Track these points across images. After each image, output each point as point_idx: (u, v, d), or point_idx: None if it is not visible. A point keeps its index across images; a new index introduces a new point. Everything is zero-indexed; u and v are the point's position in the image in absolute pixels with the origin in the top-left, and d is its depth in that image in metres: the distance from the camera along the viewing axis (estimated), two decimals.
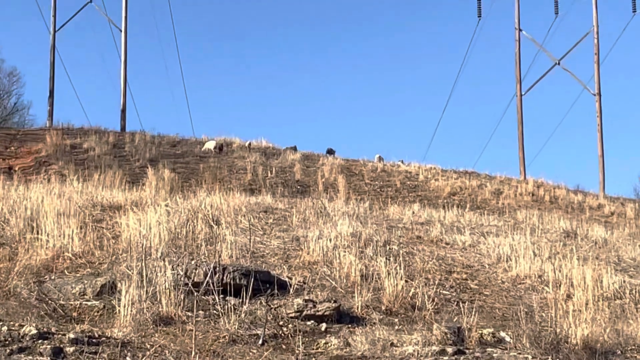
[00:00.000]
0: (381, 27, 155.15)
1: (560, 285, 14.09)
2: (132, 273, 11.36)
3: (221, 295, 11.33)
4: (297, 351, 9.78)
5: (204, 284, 11.45)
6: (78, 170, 31.04)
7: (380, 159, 45.37)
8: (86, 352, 9.00)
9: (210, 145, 41.71)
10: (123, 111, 52.23)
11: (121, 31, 53.74)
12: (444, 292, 13.41)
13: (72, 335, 9.42)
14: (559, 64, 53.18)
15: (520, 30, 53.80)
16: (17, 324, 9.68)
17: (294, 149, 45.31)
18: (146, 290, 10.91)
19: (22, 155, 37.93)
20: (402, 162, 44.93)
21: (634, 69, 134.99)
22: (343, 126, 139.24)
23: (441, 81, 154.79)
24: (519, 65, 53.55)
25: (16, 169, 34.20)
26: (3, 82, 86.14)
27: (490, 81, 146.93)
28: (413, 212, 22.35)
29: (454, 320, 11.52)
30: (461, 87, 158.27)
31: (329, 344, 10.24)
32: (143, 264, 11.55)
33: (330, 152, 46.72)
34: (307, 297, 11.41)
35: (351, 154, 48.90)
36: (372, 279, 12.97)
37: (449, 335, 10.49)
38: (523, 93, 53.22)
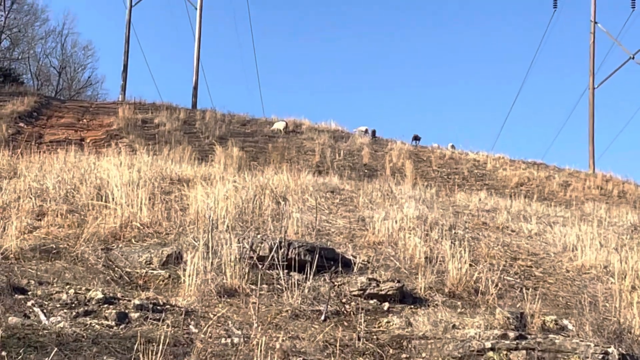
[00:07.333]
0: (458, 18, 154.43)
1: (625, 277, 13.91)
2: (198, 244, 11.45)
3: (285, 270, 11.37)
4: (358, 328, 9.78)
5: (269, 259, 11.53)
6: (148, 144, 31.38)
7: (452, 147, 45.33)
8: (150, 319, 9.12)
9: (279, 125, 41.90)
10: (195, 88, 52.72)
11: (196, 9, 54.16)
12: (508, 278, 13.35)
13: (137, 302, 9.54)
14: (633, 58, 52.51)
15: (595, 22, 53.21)
16: (83, 288, 9.82)
17: (373, 133, 45.19)
18: (211, 262, 10.99)
19: (94, 127, 38.47)
20: (471, 150, 44.83)
21: None
22: (418, 113, 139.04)
23: (514, 71, 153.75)
24: (593, 57, 53.01)
25: (87, 140, 34.67)
26: (78, 55, 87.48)
27: (563, 73, 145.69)
28: (480, 200, 22.26)
29: (517, 306, 11.47)
30: (533, 78, 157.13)
31: (391, 323, 10.24)
32: (209, 236, 11.64)
33: (417, 138, 46.57)
34: (370, 276, 11.40)
35: (423, 141, 48.67)
36: (436, 262, 12.96)
37: (511, 320, 10.44)
38: (596, 86, 52.68)
